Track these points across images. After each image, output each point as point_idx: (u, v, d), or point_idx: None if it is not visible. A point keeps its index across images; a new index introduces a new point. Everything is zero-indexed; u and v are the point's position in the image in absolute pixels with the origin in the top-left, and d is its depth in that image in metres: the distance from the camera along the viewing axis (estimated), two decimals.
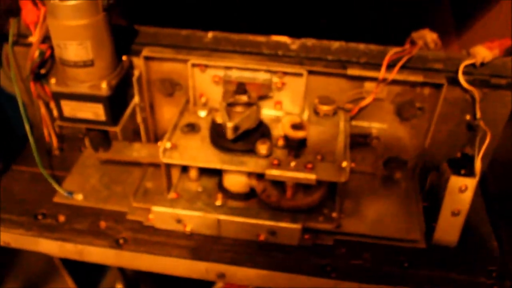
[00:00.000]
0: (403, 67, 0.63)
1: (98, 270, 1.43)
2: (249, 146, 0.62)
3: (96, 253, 0.65)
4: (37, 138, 0.70)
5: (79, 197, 0.70)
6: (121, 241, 0.65)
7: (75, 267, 1.16)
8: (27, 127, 0.70)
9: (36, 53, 0.67)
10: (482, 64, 0.64)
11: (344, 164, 0.60)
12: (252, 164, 0.61)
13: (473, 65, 0.64)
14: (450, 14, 1.03)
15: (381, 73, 0.63)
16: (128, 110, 0.68)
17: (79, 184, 0.73)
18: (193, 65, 0.66)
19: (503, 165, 0.73)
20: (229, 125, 0.58)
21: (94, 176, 0.74)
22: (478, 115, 0.66)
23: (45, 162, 0.76)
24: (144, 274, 1.01)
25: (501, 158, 0.72)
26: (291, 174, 0.60)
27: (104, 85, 0.61)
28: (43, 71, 0.70)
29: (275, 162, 0.60)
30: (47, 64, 0.70)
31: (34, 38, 0.66)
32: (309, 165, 0.60)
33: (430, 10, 1.03)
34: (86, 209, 0.69)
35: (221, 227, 0.64)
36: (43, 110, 0.74)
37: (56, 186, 0.70)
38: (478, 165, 0.62)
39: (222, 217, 0.63)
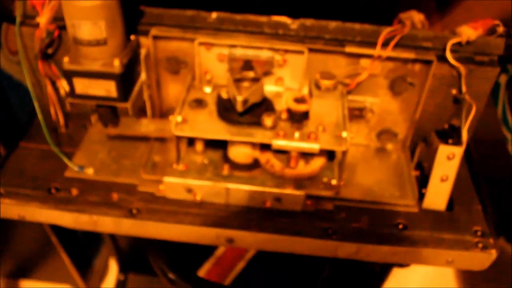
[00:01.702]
0: (395, 45, 0.68)
1: (92, 246, 1.46)
2: (255, 119, 0.66)
3: (110, 223, 0.69)
4: (43, 117, 0.72)
5: (90, 171, 0.73)
6: (134, 211, 0.68)
7: (69, 243, 1.19)
8: (36, 105, 0.72)
9: (44, 33, 0.70)
10: (468, 42, 0.69)
11: (344, 134, 0.65)
12: (260, 135, 0.65)
13: (459, 43, 0.69)
14: None
15: (377, 51, 0.68)
16: (136, 88, 0.71)
17: (88, 159, 0.76)
18: (200, 44, 0.70)
19: (485, 135, 0.79)
20: (239, 98, 0.62)
21: (102, 151, 0.77)
22: (464, 89, 0.70)
23: (53, 139, 0.78)
24: (148, 245, 1.04)
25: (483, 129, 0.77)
26: (296, 144, 0.64)
27: (116, 62, 0.64)
28: (50, 50, 0.73)
29: (281, 133, 0.65)
30: (54, 44, 0.73)
31: (42, 19, 0.69)
32: (312, 136, 0.65)
33: None
34: (98, 183, 0.72)
35: (229, 195, 0.68)
36: (49, 89, 0.76)
37: (67, 161, 0.73)
38: (464, 134, 0.67)
39: (231, 185, 0.67)
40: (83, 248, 1.38)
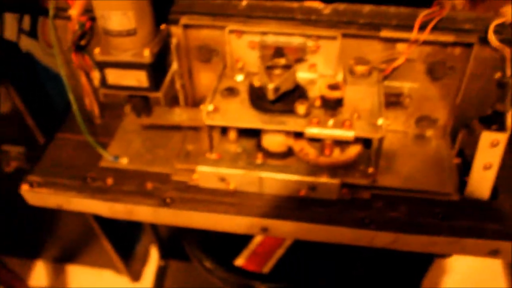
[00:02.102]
0: (433, 28, 0.65)
1: (133, 233, 1.49)
2: (288, 107, 0.64)
3: (145, 212, 0.69)
4: (78, 108, 0.73)
5: (124, 161, 0.74)
6: (168, 200, 0.68)
7: (111, 230, 1.22)
8: (71, 96, 0.73)
9: (77, 25, 0.70)
10: None
11: (380, 121, 0.62)
12: (292, 123, 0.64)
13: (502, 24, 0.65)
14: None
15: (413, 34, 0.65)
16: (168, 77, 0.71)
17: (122, 149, 0.76)
18: (230, 32, 0.69)
19: None
20: (270, 86, 0.61)
21: (136, 141, 0.77)
22: (508, 73, 0.67)
23: (87, 129, 0.79)
24: (185, 233, 1.05)
25: None
26: (330, 131, 0.63)
27: (146, 52, 0.64)
28: (83, 42, 0.73)
29: (314, 120, 0.63)
30: (87, 36, 0.73)
31: (74, 11, 0.69)
32: (347, 123, 0.63)
33: None
34: (132, 172, 0.73)
35: (263, 184, 0.67)
36: (84, 80, 0.77)
37: (101, 151, 0.74)
38: (509, 120, 0.64)
39: (264, 174, 0.66)
40: (125, 235, 1.41)
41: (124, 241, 1.39)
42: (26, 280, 1.48)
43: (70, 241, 1.53)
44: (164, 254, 1.46)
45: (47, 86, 0.94)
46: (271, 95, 0.62)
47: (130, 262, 1.45)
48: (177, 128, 0.77)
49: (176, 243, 1.40)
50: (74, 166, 0.75)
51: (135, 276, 1.48)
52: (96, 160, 0.75)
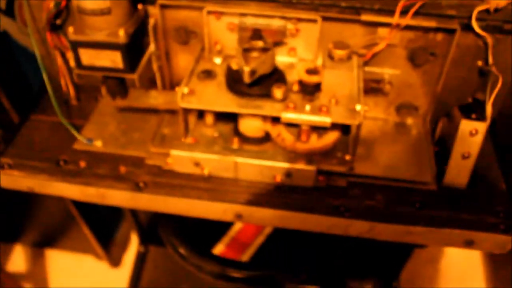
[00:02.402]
0: (416, 13, 0.64)
1: (113, 219, 1.47)
2: (265, 91, 0.63)
3: (117, 196, 0.68)
4: (54, 89, 0.71)
5: (98, 143, 0.72)
6: (141, 184, 0.67)
7: (91, 216, 1.20)
8: (45, 77, 0.71)
9: (52, 4, 0.68)
10: (496, 10, 0.63)
11: (358, 107, 0.61)
12: (268, 107, 0.62)
13: (486, 10, 0.64)
14: None
15: (395, 19, 0.64)
16: (144, 58, 0.69)
17: (97, 131, 0.74)
18: (209, 12, 0.67)
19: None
20: (246, 69, 0.59)
21: (111, 124, 0.76)
22: (491, 61, 0.66)
23: (63, 111, 0.77)
24: (161, 220, 1.04)
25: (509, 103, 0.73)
26: (307, 117, 0.62)
27: (121, 32, 0.62)
28: (58, 21, 0.71)
29: (291, 105, 0.62)
30: (62, 15, 0.71)
31: None
32: (324, 109, 0.62)
33: None
34: (106, 155, 0.71)
35: (238, 169, 0.66)
36: (59, 60, 0.75)
37: (75, 133, 0.72)
38: (489, 109, 0.63)
39: (240, 159, 0.65)
40: (105, 220, 1.39)
41: (104, 226, 1.37)
42: (4, 264, 1.46)
43: (50, 225, 1.51)
44: (144, 240, 1.45)
45: (24, 66, 0.92)
46: (247, 78, 0.60)
47: (110, 248, 1.44)
48: (154, 111, 0.75)
49: (155, 229, 1.39)
50: (47, 149, 0.73)
51: (115, 262, 1.47)
52: (70, 143, 0.73)
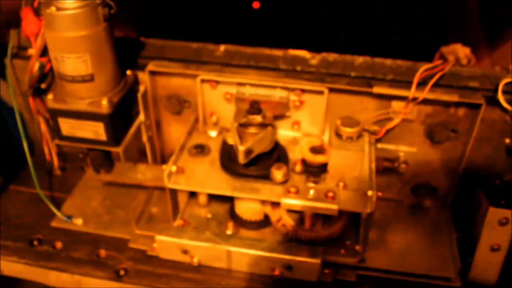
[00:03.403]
0: (434, 85, 0.58)
1: None
2: (263, 171, 0.56)
3: (94, 285, 0.60)
4: (38, 156, 0.66)
5: (78, 221, 0.65)
6: (121, 272, 0.59)
7: None
8: (25, 145, 0.65)
9: (36, 66, 0.62)
10: None
11: (370, 193, 0.54)
12: (266, 191, 0.55)
13: None
14: (480, 27, 0.96)
15: (411, 92, 0.57)
16: (133, 129, 0.63)
17: (79, 207, 0.68)
18: (203, 81, 0.61)
19: None
20: (241, 148, 0.53)
21: (95, 199, 0.69)
22: None
23: (45, 182, 0.72)
24: None
25: None
26: (310, 203, 0.54)
27: (104, 102, 0.56)
28: (43, 85, 0.66)
29: (292, 189, 0.55)
30: (48, 78, 0.65)
31: (33, 50, 0.62)
32: (330, 194, 0.54)
33: (458, 23, 0.97)
34: (86, 235, 0.64)
35: (231, 259, 0.58)
36: (43, 127, 0.69)
37: (54, 209, 0.65)
38: None
39: (233, 248, 0.57)
40: None
41: None
42: None
43: None
44: None
45: (11, 126, 0.86)
46: (241, 159, 0.53)
47: None
48: (143, 186, 0.68)
49: None
50: (23, 225, 0.66)
51: None
52: (48, 219, 0.67)
